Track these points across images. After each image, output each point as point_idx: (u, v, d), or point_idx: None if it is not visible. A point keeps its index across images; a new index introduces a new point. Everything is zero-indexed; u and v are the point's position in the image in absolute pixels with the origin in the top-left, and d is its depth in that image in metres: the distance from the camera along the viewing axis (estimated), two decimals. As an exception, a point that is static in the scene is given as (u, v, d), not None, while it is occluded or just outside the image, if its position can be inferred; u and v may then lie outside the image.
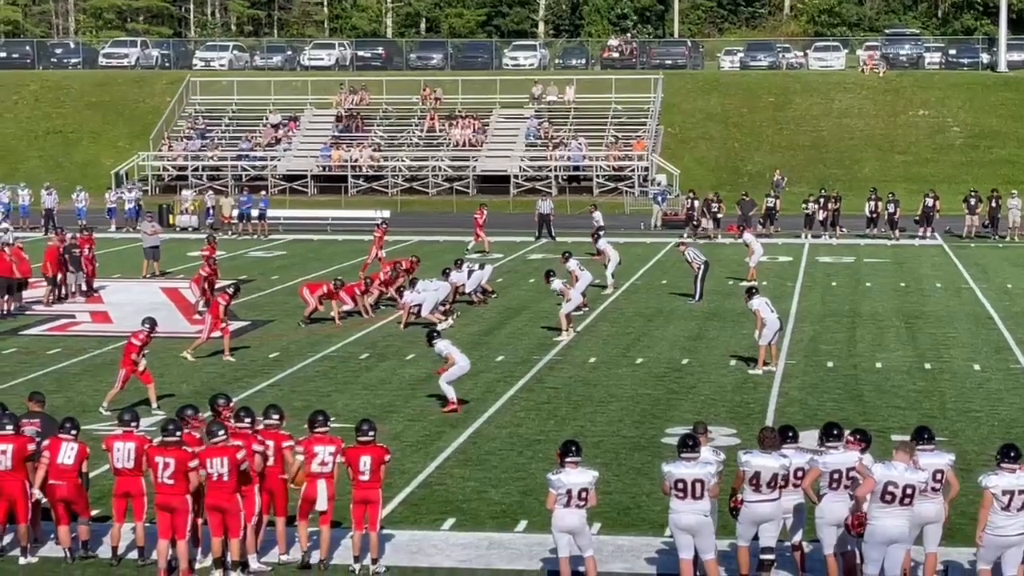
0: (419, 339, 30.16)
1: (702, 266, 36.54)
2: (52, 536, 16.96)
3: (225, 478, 15.69)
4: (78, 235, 38.79)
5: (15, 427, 16.78)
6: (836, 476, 15.14)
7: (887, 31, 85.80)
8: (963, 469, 15.88)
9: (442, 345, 24.23)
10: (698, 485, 15.02)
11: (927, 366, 28.29)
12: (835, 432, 15.44)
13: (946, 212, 53.42)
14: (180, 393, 25.34)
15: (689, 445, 15.23)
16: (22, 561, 16.58)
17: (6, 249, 35.95)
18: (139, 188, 61.18)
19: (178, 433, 15.98)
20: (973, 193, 53.20)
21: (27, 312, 34.96)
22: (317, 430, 16.43)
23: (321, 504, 16.26)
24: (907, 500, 14.64)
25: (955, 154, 67.30)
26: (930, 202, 52.60)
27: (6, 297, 34.83)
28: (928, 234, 52.12)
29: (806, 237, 51.94)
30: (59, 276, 36.71)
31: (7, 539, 16.95)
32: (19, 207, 56.99)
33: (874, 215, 52.58)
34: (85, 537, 16.78)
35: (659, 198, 57.72)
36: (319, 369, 28.12)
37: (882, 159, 67.04)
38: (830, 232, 52.54)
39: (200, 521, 16.24)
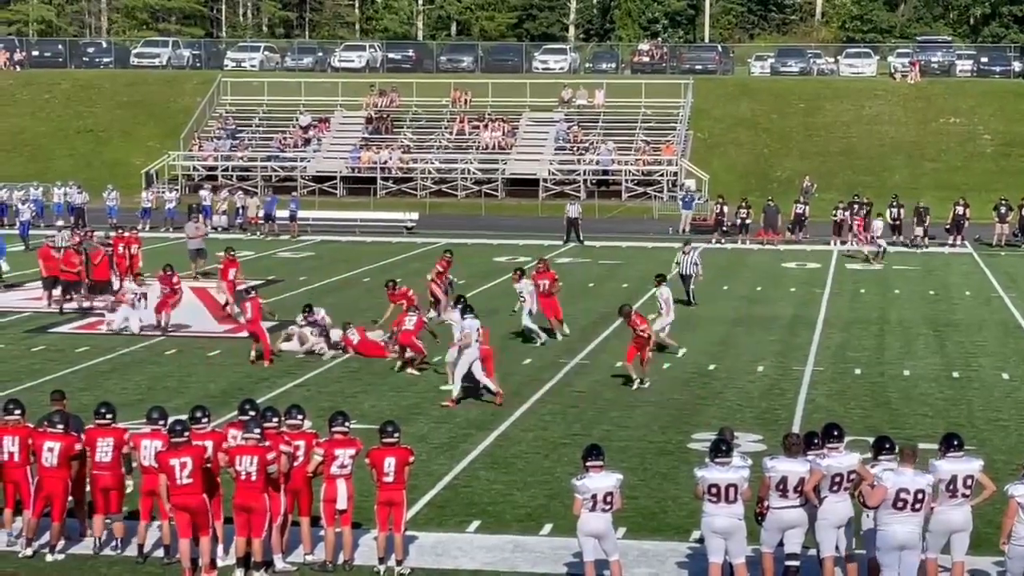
0: (445, 342, 30.23)
1: (691, 274, 36.16)
2: (85, 532, 17.11)
3: (253, 477, 15.74)
4: (111, 234, 38.87)
5: (65, 426, 16.90)
6: (837, 479, 15.14)
7: (919, 38, 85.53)
8: (991, 479, 15.79)
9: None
10: (731, 489, 15.05)
11: (955, 374, 28.18)
12: (835, 434, 15.41)
13: (976, 220, 53.21)
14: (208, 392, 25.41)
15: (722, 450, 15.26)
16: (49, 558, 16.67)
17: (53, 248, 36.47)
18: (175, 189, 61.51)
19: (186, 434, 16.03)
20: (1003, 201, 52.99)
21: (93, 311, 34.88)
22: (335, 429, 16.45)
23: (341, 503, 16.30)
24: (918, 506, 14.71)
25: (986, 162, 67.02)
26: (960, 210, 52.44)
27: (64, 295, 35.20)
28: (958, 242, 51.94)
29: (835, 244, 51.81)
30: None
31: (22, 533, 17.05)
32: (53, 205, 57.36)
33: (897, 222, 52.38)
34: (121, 534, 16.90)
35: (687, 201, 57.57)
36: (346, 370, 28.17)
37: (912, 166, 66.81)
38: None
39: (220, 521, 16.34)
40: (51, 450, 16.66)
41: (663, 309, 29.89)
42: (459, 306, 26.60)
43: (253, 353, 28.77)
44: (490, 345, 25.91)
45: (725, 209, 53.71)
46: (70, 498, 17.01)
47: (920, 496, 14.68)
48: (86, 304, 35.05)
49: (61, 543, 16.84)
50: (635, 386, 26.31)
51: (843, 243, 51.80)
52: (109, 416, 17.05)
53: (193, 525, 15.91)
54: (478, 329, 25.19)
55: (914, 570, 14.83)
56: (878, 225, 47.91)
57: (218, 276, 36.00)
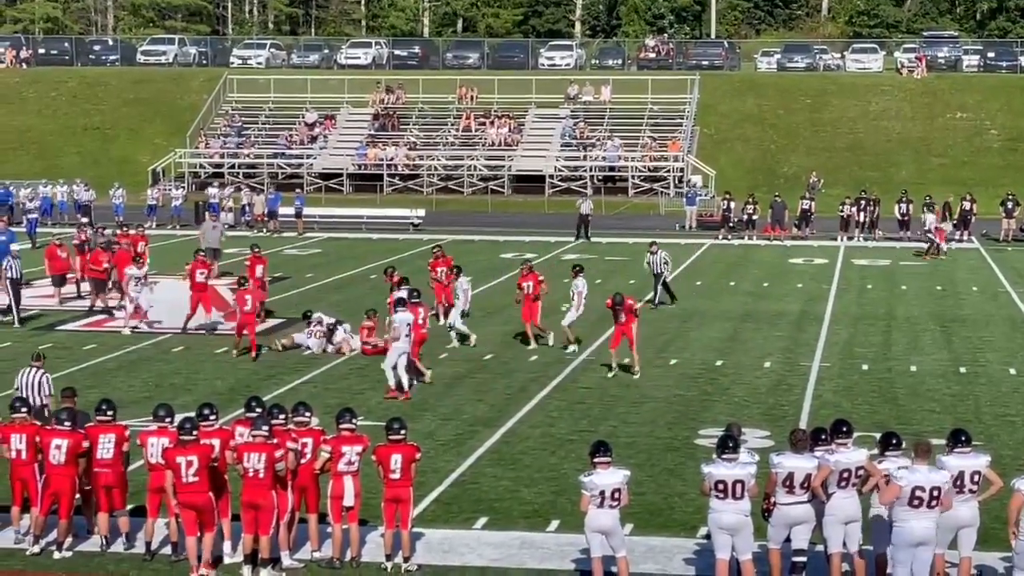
0: (451, 338, 30.23)
1: (662, 273, 36.07)
2: (92, 529, 17.12)
3: (261, 474, 15.74)
4: (117, 231, 38.81)
5: (72, 423, 16.92)
6: (845, 475, 15.13)
7: (925, 33, 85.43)
8: (998, 474, 15.76)
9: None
10: (739, 486, 15.04)
11: (962, 370, 28.15)
12: (844, 430, 15.40)
13: (983, 215, 53.15)
14: (215, 390, 25.43)
15: (729, 446, 15.25)
16: (57, 556, 16.69)
17: (60, 247, 36.42)
18: (184, 188, 61.47)
19: (195, 432, 16.05)
20: (1010, 196, 52.92)
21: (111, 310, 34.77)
22: (343, 427, 16.46)
23: (348, 500, 16.31)
24: (934, 503, 14.66)
25: (993, 157, 66.93)
26: (967, 205, 52.38)
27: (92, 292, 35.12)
28: (965, 237, 51.88)
29: (842, 240, 51.77)
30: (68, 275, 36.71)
31: (29, 530, 17.06)
32: (58, 203, 57.44)
33: (905, 218, 52.34)
34: (125, 529, 16.92)
35: (690, 197, 57.53)
36: (353, 367, 28.17)
37: (919, 162, 66.75)
38: (866, 235, 52.43)
39: (228, 519, 16.36)
40: (59, 447, 16.68)
41: (575, 301, 29.92)
42: (400, 296, 27.01)
43: (255, 352, 28.81)
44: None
45: (732, 205, 53.66)
46: (77, 495, 17.04)
47: (936, 493, 14.62)
48: (102, 304, 34.99)
49: (68, 540, 16.87)
50: (611, 374, 26.90)
51: (849, 238, 51.77)
52: (110, 413, 17.07)
53: (199, 523, 15.93)
54: (408, 324, 25.43)
55: (927, 566, 14.77)
56: (930, 219, 48.16)
57: (246, 273, 35.80)
